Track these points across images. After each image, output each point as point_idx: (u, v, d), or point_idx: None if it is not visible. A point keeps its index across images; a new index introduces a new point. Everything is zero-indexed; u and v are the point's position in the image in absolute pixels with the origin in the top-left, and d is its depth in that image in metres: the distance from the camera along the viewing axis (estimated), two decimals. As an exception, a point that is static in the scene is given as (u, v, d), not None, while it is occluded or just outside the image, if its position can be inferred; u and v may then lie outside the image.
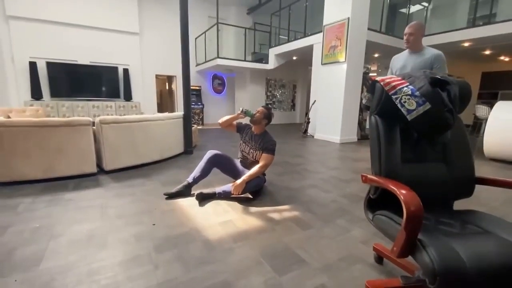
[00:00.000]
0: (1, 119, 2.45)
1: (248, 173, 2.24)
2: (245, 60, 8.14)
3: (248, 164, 2.43)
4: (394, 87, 1.08)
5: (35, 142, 2.52)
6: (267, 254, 1.46)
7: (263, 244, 1.56)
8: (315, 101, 6.36)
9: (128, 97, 7.55)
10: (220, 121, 2.51)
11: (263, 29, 8.56)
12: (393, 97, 1.07)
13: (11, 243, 1.52)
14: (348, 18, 5.12)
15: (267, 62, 8.38)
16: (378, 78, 1.14)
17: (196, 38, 8.60)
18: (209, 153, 2.42)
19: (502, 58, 8.00)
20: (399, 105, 1.06)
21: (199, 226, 1.78)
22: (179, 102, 8.81)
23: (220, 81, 9.75)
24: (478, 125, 6.82)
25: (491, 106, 4.67)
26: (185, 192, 2.29)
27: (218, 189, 2.26)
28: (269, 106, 2.44)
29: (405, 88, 1.06)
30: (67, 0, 6.61)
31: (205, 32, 8.14)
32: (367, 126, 6.23)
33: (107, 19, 7.15)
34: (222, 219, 1.89)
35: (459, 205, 1.18)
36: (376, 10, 6.00)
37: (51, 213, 1.93)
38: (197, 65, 8.91)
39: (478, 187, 1.16)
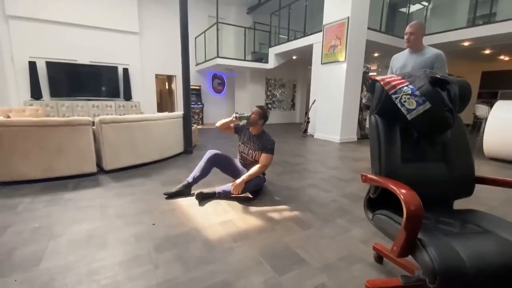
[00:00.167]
0: (0, 119, 2.44)
1: (247, 173, 2.23)
2: (245, 60, 8.13)
3: (247, 165, 2.43)
4: (394, 86, 1.08)
5: (35, 142, 2.52)
6: (267, 254, 1.46)
7: (263, 244, 1.56)
8: (314, 100, 6.36)
9: (128, 96, 7.54)
10: (217, 124, 2.50)
11: (263, 28, 8.55)
12: (393, 96, 1.07)
13: (11, 243, 1.52)
14: (348, 18, 5.12)
15: (267, 62, 8.38)
16: (378, 78, 1.14)
17: (196, 38, 8.59)
18: (209, 153, 2.42)
19: (502, 57, 8.00)
20: (399, 105, 1.06)
21: (199, 225, 1.78)
22: (179, 102, 8.81)
23: (220, 81, 9.74)
24: (478, 124, 6.82)
25: (491, 105, 4.67)
26: (185, 191, 2.29)
27: (218, 188, 2.26)
28: (264, 105, 2.41)
29: (405, 88, 1.06)
30: (67, 0, 6.60)
31: (205, 32, 8.13)
32: (367, 126, 6.23)
33: (107, 19, 7.14)
34: (222, 218, 1.89)
35: (459, 204, 1.18)
36: (376, 9, 6.00)
37: (50, 213, 1.93)
38: (197, 64, 8.90)
39: (477, 187, 1.16)
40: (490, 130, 3.90)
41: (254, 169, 2.25)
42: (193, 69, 8.65)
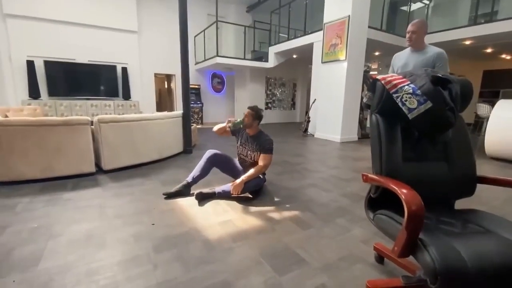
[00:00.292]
0: (-2, 118, 2.44)
1: (247, 174, 2.23)
2: (244, 59, 8.13)
3: (247, 166, 2.42)
4: (395, 85, 1.08)
5: (33, 141, 2.52)
6: (267, 254, 1.46)
7: (263, 244, 1.57)
8: (315, 99, 6.36)
9: (126, 96, 7.54)
10: (214, 129, 2.48)
11: (262, 27, 8.54)
12: (394, 95, 1.07)
13: (10, 243, 1.52)
14: (349, 16, 5.11)
15: (267, 61, 8.37)
16: (379, 77, 1.14)
17: (195, 36, 8.58)
18: (208, 153, 2.42)
19: (503, 56, 7.99)
20: (400, 104, 1.06)
21: (198, 225, 1.78)
22: (178, 101, 8.79)
23: (219, 80, 9.73)
24: (479, 123, 6.82)
25: (492, 104, 4.68)
26: (184, 191, 2.29)
27: (218, 188, 2.26)
28: (255, 105, 2.36)
29: (406, 87, 1.06)
30: (64, -2, 6.59)
31: (204, 30, 8.12)
32: (368, 125, 6.23)
33: (106, 17, 7.13)
34: (221, 218, 1.89)
35: (460, 204, 1.18)
36: (377, 8, 5.99)
37: (49, 213, 1.93)
38: (196, 63, 8.90)
39: (479, 186, 1.16)
40: (491, 129, 3.90)
41: (254, 169, 2.25)
42: (192, 68, 8.64)
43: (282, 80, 10.09)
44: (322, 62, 5.88)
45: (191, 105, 7.53)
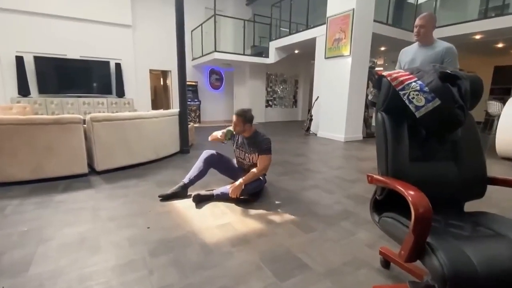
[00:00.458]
0: (-14, 117, 2.44)
1: (246, 176, 2.23)
2: (244, 54, 8.12)
3: (246, 168, 2.41)
4: (402, 82, 1.08)
5: (23, 141, 2.52)
6: (267, 259, 1.46)
7: (263, 248, 1.57)
8: (318, 97, 6.36)
9: (120, 93, 7.53)
10: (209, 138, 2.47)
11: (263, 21, 8.53)
12: (401, 93, 1.07)
13: (-2, 248, 1.52)
14: (353, 9, 5.11)
15: (267, 56, 8.36)
16: (384, 73, 1.14)
17: (192, 31, 8.57)
18: (206, 153, 2.42)
19: (515, 51, 7.98)
20: (407, 102, 1.06)
21: (196, 229, 1.78)
22: (174, 99, 8.80)
23: (217, 76, 9.73)
24: (490, 122, 6.82)
25: (503, 102, 4.67)
26: (181, 193, 2.29)
27: (216, 190, 2.26)
28: (240, 108, 2.33)
29: (413, 84, 1.06)
30: (55, -9, 6.58)
31: (201, 25, 8.11)
32: (373, 124, 6.23)
33: (98, 11, 7.12)
34: (220, 221, 1.90)
35: (469, 206, 1.18)
36: (383, 0, 5.99)
37: (40, 216, 1.93)
38: (194, 59, 8.89)
39: (489, 188, 1.16)
40: (502, 128, 3.89)
41: (254, 171, 2.25)
42: (189, 64, 8.64)
43: (283, 76, 10.08)
44: (325, 58, 5.87)
45: (188, 102, 7.51)
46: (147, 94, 8.51)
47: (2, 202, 2.17)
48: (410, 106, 1.05)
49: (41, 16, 6.55)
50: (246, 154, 2.40)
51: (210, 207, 2.14)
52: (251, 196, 2.30)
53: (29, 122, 2.53)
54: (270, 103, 9.92)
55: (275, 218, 1.97)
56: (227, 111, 9.73)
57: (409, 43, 2.61)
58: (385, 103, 1.13)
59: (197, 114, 8.92)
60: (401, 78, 1.09)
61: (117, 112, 6.81)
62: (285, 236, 1.72)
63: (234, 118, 2.32)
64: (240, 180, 2.20)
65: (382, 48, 7.41)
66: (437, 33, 2.44)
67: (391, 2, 6.34)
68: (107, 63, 7.37)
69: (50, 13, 6.61)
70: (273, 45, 8.09)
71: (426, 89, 1.04)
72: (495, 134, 4.06)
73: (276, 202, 2.28)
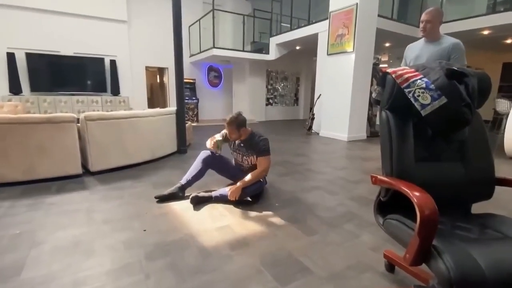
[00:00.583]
0: (-24, 116, 2.44)
1: (245, 179, 2.21)
2: (243, 50, 8.12)
3: (245, 171, 2.40)
4: (407, 79, 1.08)
5: (14, 141, 2.52)
6: (268, 262, 1.46)
7: (263, 251, 1.57)
8: (320, 95, 6.36)
9: (115, 91, 7.53)
10: (207, 145, 2.45)
11: (263, 16, 8.53)
12: (406, 90, 1.07)
13: (-11, 251, 1.52)
14: (357, 4, 5.10)
15: (267, 53, 8.36)
16: (389, 70, 1.14)
17: (189, 27, 8.57)
18: (203, 153, 2.42)
19: (525, 47, 7.98)
20: (412, 99, 1.06)
21: (194, 231, 1.78)
22: (171, 97, 8.79)
23: (216, 73, 9.72)
24: (498, 121, 6.82)
25: (512, 100, 4.67)
26: (178, 195, 2.29)
27: (215, 192, 2.27)
28: (230, 116, 2.28)
29: (419, 81, 1.06)
30: (48, -15, 6.57)
31: (199, 20, 8.10)
32: (377, 123, 6.23)
33: (92, 6, 7.11)
34: (218, 224, 1.90)
35: (477, 208, 1.18)
36: (387, -5, 5.98)
37: (32, 218, 1.93)
38: (191, 56, 8.89)
39: (497, 189, 1.16)
40: (511, 127, 3.89)
41: (254, 173, 2.24)
42: (187, 60, 8.64)
43: (284, 73, 10.08)
44: (327, 54, 5.87)
45: (186, 101, 7.51)
46: (143, 92, 8.51)
47: (-7, 204, 2.17)
48: (416, 104, 1.05)
49: (33, 11, 6.55)
50: (244, 157, 2.40)
51: (209, 209, 2.14)
52: (251, 197, 2.30)
53: (21, 121, 2.53)
54: (270, 101, 9.92)
55: (276, 220, 1.97)
56: (226, 110, 9.72)
57: (415, 39, 2.61)
58: (390, 101, 1.13)
59: (195, 113, 8.91)
60: (407, 75, 1.09)
61: (112, 110, 6.82)
62: (286, 239, 1.72)
63: (226, 128, 2.29)
64: (239, 183, 2.20)
65: (387, 44, 7.40)
66: (443, 28, 2.44)
67: (396, -4, 6.34)
68: (101, 60, 7.36)
69: (42, 8, 6.60)
70: (274, 41, 8.09)
71: (432, 86, 1.04)
72: (503, 133, 4.06)
73: (277, 204, 2.28)
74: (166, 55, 8.15)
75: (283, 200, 2.37)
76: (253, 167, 2.34)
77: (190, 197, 2.19)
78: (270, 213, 2.09)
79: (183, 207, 2.16)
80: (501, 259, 0.79)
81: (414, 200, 0.83)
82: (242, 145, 2.37)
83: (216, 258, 1.50)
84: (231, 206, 2.18)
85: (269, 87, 9.79)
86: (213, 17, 7.35)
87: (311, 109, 6.83)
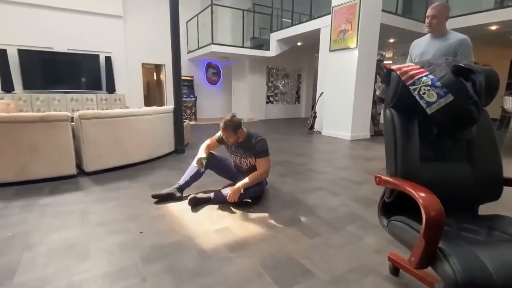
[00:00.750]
0: (-33, 114, 2.44)
1: (245, 181, 2.20)
2: (243, 47, 8.11)
3: (245, 172, 2.40)
4: (412, 76, 1.08)
5: (6, 140, 2.52)
6: (268, 265, 1.46)
7: (263, 254, 1.57)
8: (322, 92, 6.35)
9: (111, 89, 7.53)
10: (204, 147, 2.45)
11: (263, 11, 8.52)
12: (411, 88, 1.07)
13: (-19, 254, 1.52)
14: (360, -2, 5.10)
15: (268, 49, 8.36)
16: (393, 67, 1.14)
17: (187, 22, 8.56)
18: (202, 153, 2.42)
19: (533, 43, 7.97)
20: (417, 97, 1.06)
21: (192, 233, 1.78)
22: (168, 95, 8.80)
23: (215, 71, 9.72)
24: (506, 119, 6.82)
25: (521, 97, 4.66)
26: (176, 195, 2.29)
27: (213, 194, 2.26)
28: (224, 120, 2.24)
29: (424, 78, 1.06)
30: (40, -21, 6.57)
31: (197, 15, 8.10)
32: (382, 121, 6.23)
33: (86, 1, 7.11)
34: (217, 226, 1.90)
35: (484, 209, 1.18)
36: (392, -11, 5.98)
37: (25, 220, 1.93)
38: (189, 52, 8.88)
39: (505, 189, 1.16)
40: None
41: (253, 175, 2.23)
42: (184, 57, 8.63)
43: (285, 70, 10.08)
44: (330, 51, 5.87)
45: (183, 99, 7.50)
46: (140, 89, 8.51)
47: (-16, 205, 2.17)
48: (421, 102, 1.05)
49: (25, 6, 6.54)
50: (242, 159, 2.40)
51: (207, 211, 2.14)
52: (251, 198, 2.30)
53: (13, 120, 2.53)
54: (271, 99, 9.92)
55: (276, 222, 1.97)
56: (225, 108, 9.72)
57: (420, 34, 2.60)
58: (394, 99, 1.13)
59: (193, 111, 8.92)
60: (412, 72, 1.09)
61: (107, 109, 6.82)
62: (287, 241, 1.72)
63: (222, 132, 2.27)
64: (239, 184, 2.19)
65: (391, 40, 7.39)
66: (450, 23, 2.44)
67: (401, -9, 6.33)
68: (96, 57, 7.36)
69: (35, 3, 6.60)
70: (274, 37, 8.08)
71: (438, 83, 1.04)
72: (511, 132, 4.06)
73: (277, 205, 2.28)
74: (163, 51, 8.15)
75: (283, 201, 2.37)
76: (252, 168, 2.34)
77: (188, 198, 2.19)
78: (270, 214, 2.09)
79: (181, 208, 2.17)
80: (509, 262, 0.79)
81: (420, 201, 0.83)
82: (239, 147, 2.37)
83: (215, 260, 1.50)
84: (230, 208, 2.18)
85: (270, 84, 9.79)
86: (212, 12, 7.34)
87: (313, 107, 6.83)
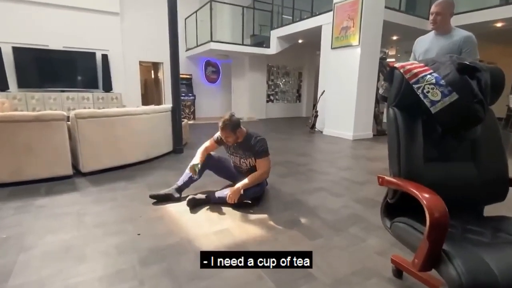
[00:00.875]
0: (-39, 114, 2.44)
1: (244, 181, 2.20)
2: (243, 44, 8.11)
3: (244, 173, 2.40)
4: (416, 74, 1.08)
5: (1, 140, 2.52)
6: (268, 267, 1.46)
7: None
8: (324, 91, 6.35)
9: (107, 87, 7.53)
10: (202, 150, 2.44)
11: (263, 7, 8.52)
12: (415, 86, 1.07)
13: (-25, 256, 1.52)
14: (362, -5, 5.10)
15: (268, 46, 8.35)
16: (397, 65, 1.14)
17: (186, 19, 8.56)
18: (201, 154, 2.42)
19: (540, 40, 7.97)
20: (421, 96, 1.06)
21: (191, 235, 1.79)
22: (166, 93, 8.79)
23: (214, 69, 9.72)
24: (512, 118, 6.82)
25: (527, 96, 4.66)
26: (174, 196, 2.29)
27: (213, 194, 2.26)
28: (223, 120, 2.18)
29: (428, 76, 1.06)
30: (35, -25, 6.56)
31: (196, 12, 8.09)
32: (384, 120, 6.23)
33: (83, -3, 7.10)
34: (217, 227, 1.90)
35: (489, 210, 1.18)
36: (395, -15, 5.98)
37: (20, 222, 1.93)
38: (188, 50, 8.88)
39: (511, 190, 1.16)
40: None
41: (253, 176, 2.23)
42: (183, 55, 8.63)
43: (286, 68, 10.07)
44: (331, 48, 5.87)
45: (182, 97, 7.52)
46: (137, 88, 8.50)
47: (-22, 206, 2.17)
48: (425, 100, 1.05)
49: (20, 3, 6.53)
50: (242, 160, 2.40)
51: (206, 212, 2.14)
52: (251, 199, 2.30)
53: (8, 119, 2.53)
54: (271, 97, 9.92)
55: (277, 223, 1.97)
56: (224, 107, 9.72)
57: (424, 31, 2.60)
58: (398, 97, 1.13)
59: (192, 110, 8.92)
60: (415, 70, 1.08)
61: (104, 108, 6.82)
62: (288, 243, 1.72)
63: (220, 132, 2.25)
64: (239, 185, 2.19)
65: (394, 37, 7.39)
66: (454, 20, 2.44)
67: (404, -13, 6.34)
68: (92, 55, 7.36)
69: (30, 0, 6.59)
70: (275, 34, 8.08)
71: (442, 82, 1.03)
72: (518, 131, 4.06)
73: (278, 206, 2.28)
74: (161, 49, 8.13)
75: (284, 202, 2.37)
76: (252, 169, 2.34)
77: (187, 199, 2.19)
78: (271, 215, 2.09)
79: (179, 209, 2.17)
80: (515, 264, 0.79)
81: (423, 202, 0.83)
82: (238, 147, 2.36)
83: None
84: (230, 209, 2.18)
85: (270, 83, 9.78)
86: (211, 9, 7.34)
87: (314, 106, 6.83)
